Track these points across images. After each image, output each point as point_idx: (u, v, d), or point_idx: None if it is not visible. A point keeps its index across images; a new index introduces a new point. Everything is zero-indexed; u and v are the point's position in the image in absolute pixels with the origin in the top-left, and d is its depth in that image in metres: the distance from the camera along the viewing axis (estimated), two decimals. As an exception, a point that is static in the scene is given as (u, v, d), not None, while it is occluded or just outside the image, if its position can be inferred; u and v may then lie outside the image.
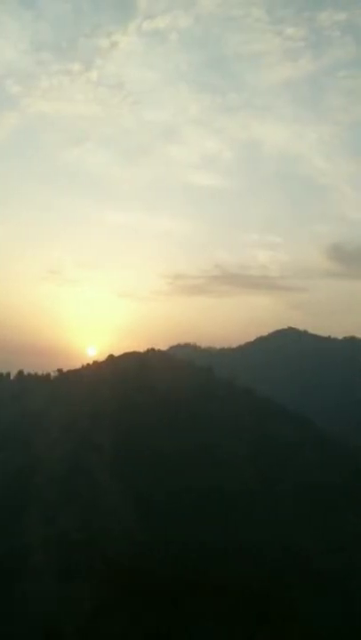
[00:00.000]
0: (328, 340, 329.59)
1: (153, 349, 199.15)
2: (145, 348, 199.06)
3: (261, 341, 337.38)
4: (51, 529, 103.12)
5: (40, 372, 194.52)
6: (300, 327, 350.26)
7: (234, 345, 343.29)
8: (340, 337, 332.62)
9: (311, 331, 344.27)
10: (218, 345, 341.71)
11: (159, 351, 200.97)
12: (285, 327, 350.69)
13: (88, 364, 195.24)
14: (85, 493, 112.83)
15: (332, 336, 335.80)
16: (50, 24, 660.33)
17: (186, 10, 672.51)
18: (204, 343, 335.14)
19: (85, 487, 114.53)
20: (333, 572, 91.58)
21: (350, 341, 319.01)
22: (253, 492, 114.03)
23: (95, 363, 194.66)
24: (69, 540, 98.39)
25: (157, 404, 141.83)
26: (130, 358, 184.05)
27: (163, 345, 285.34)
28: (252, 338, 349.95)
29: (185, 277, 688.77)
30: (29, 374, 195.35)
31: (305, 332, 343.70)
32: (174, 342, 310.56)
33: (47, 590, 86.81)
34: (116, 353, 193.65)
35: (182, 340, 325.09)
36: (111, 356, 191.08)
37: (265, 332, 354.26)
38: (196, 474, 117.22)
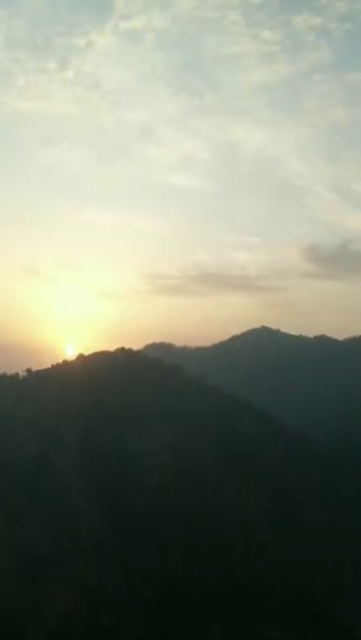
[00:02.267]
0: (300, 338, 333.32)
1: (123, 348, 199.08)
2: (115, 348, 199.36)
3: (235, 340, 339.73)
4: (17, 527, 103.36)
5: (9, 372, 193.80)
6: (277, 326, 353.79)
7: (210, 344, 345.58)
8: (311, 336, 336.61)
9: (284, 330, 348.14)
10: (194, 344, 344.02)
11: (129, 350, 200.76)
12: (259, 326, 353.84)
13: (58, 364, 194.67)
14: (52, 493, 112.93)
15: (304, 335, 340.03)
16: (25, 21, 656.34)
17: (162, 11, 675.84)
18: (180, 342, 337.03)
19: (52, 486, 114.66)
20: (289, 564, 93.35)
21: (321, 340, 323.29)
22: (219, 488, 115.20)
23: (65, 362, 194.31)
24: (35, 539, 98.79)
25: (126, 403, 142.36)
26: (99, 358, 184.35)
27: (138, 344, 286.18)
28: (227, 337, 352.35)
29: (164, 277, 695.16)
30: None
31: (278, 331, 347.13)
32: (150, 341, 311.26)
33: (12, 589, 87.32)
34: (92, 352, 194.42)
35: (160, 338, 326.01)
36: (81, 356, 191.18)
37: (241, 331, 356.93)
38: (163, 472, 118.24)
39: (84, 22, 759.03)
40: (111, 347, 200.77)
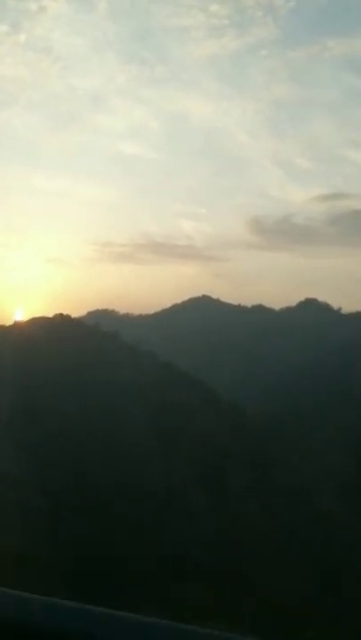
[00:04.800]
0: (238, 308, 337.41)
1: (61, 315, 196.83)
2: (53, 314, 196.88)
3: (175, 309, 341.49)
4: None
5: None
6: (219, 296, 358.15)
7: (152, 312, 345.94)
8: (249, 305, 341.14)
9: (225, 299, 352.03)
10: (138, 312, 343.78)
11: (67, 316, 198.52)
12: (200, 295, 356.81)
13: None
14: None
15: (243, 304, 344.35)
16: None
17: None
18: (125, 310, 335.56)
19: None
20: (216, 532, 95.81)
21: (258, 309, 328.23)
22: (151, 456, 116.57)
23: (2, 327, 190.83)
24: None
25: (61, 369, 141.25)
26: (36, 323, 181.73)
27: (82, 311, 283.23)
28: (169, 305, 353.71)
29: (113, 245, 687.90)
30: None
31: (218, 300, 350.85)
32: (94, 308, 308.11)
33: None
34: (30, 318, 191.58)
35: (107, 306, 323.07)
36: (17, 322, 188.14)
37: (182, 299, 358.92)
38: (98, 439, 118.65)
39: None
40: (52, 312, 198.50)
